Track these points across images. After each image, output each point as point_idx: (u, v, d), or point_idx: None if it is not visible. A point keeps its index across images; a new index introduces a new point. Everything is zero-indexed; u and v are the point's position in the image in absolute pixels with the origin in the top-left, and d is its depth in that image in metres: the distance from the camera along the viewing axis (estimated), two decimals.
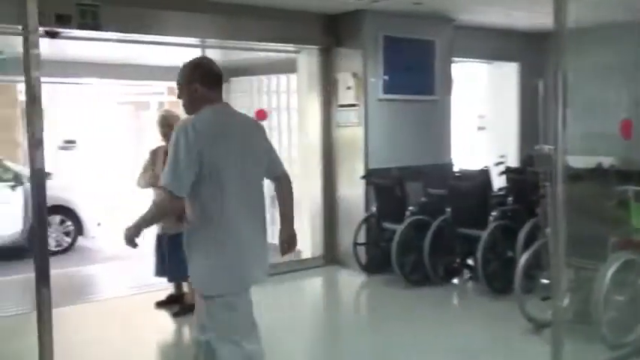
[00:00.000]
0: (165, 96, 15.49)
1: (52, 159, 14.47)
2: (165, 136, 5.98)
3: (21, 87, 14.44)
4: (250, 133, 3.44)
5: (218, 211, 3.21)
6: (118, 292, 7.26)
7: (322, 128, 7.77)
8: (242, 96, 9.39)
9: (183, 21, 6.60)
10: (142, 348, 5.42)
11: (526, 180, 6.61)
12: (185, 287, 6.22)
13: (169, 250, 5.97)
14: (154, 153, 6.14)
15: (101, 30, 6.07)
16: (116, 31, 6.28)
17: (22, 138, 13.94)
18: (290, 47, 7.77)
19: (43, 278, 2.24)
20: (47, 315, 2.26)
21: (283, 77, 8.81)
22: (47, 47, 8.00)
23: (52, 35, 5.94)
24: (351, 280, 7.45)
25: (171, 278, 6.21)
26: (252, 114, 8.92)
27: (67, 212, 10.01)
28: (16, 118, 13.79)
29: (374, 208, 7.30)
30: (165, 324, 5.98)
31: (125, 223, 3.43)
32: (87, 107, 15.60)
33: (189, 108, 3.37)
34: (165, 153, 5.99)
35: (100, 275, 8.64)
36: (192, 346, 3.70)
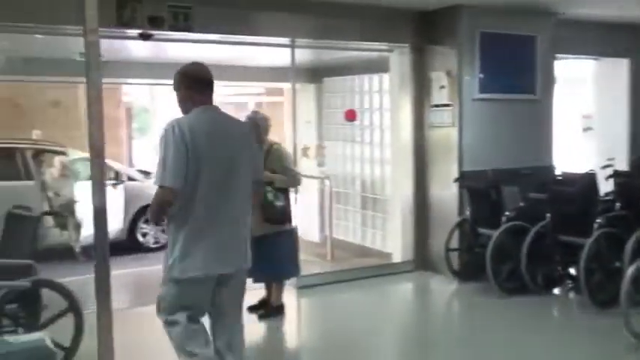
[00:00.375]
0: (264, 97, 15.65)
1: (150, 158, 14.93)
2: (255, 137, 5.93)
3: (125, 89, 15.05)
4: (237, 135, 3.69)
5: (193, 201, 3.44)
6: None
7: (414, 129, 7.53)
8: (334, 96, 9.29)
9: (274, 21, 6.56)
10: None
11: (636, 185, 6.14)
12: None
13: (254, 251, 5.92)
14: None
15: (193, 31, 6.11)
16: (208, 32, 6.31)
17: (125, 138, 14.50)
18: (382, 46, 7.58)
19: (102, 280, 2.18)
20: (107, 317, 2.19)
21: (376, 77, 8.63)
22: (149, 49, 8.21)
23: (145, 37, 6.03)
24: (442, 287, 7.18)
25: (256, 279, 6.14)
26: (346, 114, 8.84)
27: None
28: (119, 119, 14.34)
29: (468, 212, 6.99)
30: (252, 327, 5.91)
31: None
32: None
33: (182, 110, 3.66)
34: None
35: None
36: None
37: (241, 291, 3.90)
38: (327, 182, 8.85)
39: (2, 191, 8.65)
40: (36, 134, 10.51)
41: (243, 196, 3.69)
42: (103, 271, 2.16)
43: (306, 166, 9.58)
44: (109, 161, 10.39)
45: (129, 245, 10.13)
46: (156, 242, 10.24)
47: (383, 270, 7.62)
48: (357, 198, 9.01)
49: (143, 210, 10.13)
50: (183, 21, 6.00)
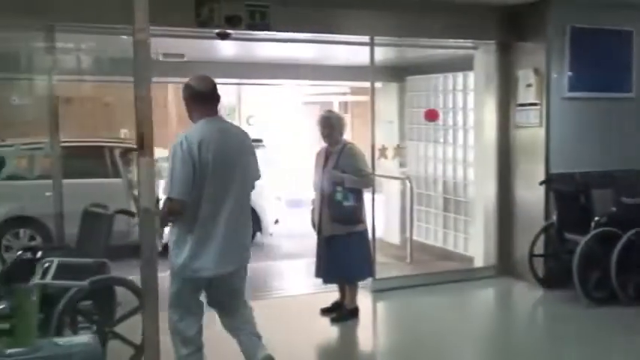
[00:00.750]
0: (349, 96, 15.59)
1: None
2: (327, 137, 5.84)
3: (172, 87, 15.30)
4: (237, 143, 4.00)
5: (199, 205, 3.73)
6: (291, 291, 7.30)
7: (499, 129, 7.24)
8: (417, 95, 9.07)
9: (352, 19, 6.45)
10: (292, 352, 5.31)
11: None
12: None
13: (325, 251, 5.83)
14: (318, 155, 6.02)
15: (270, 30, 6.09)
16: (285, 31, 6.28)
17: (173, 136, 14.72)
18: (466, 43, 7.33)
19: (149, 280, 2.13)
20: (153, 317, 2.14)
21: (460, 75, 8.36)
22: (236, 49, 8.27)
23: (223, 36, 6.05)
24: (526, 295, 6.85)
25: (326, 280, 6.06)
26: (426, 114, 8.62)
27: None
28: (168, 117, 14.60)
29: (554, 217, 6.64)
30: (325, 329, 5.83)
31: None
32: (274, 107, 16.14)
33: (191, 119, 4.03)
34: (326, 156, 5.87)
35: (274, 273, 8.78)
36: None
37: (242, 281, 4.14)
38: (407, 183, 8.65)
39: (90, 189, 8.96)
40: (124, 133, 10.82)
41: (245, 199, 4.03)
42: (150, 270, 2.11)
43: (387, 166, 9.45)
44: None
45: None
46: None
47: (464, 275, 7.37)
48: (439, 200, 8.76)
49: None
50: (260, 20, 5.99)
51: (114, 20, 5.51)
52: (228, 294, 4.08)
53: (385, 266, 8.48)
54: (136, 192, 9.60)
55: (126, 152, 9.77)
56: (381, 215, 9.94)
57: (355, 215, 5.76)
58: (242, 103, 14.70)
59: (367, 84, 10.98)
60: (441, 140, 8.69)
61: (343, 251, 5.76)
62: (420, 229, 9.05)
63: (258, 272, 8.71)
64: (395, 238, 9.45)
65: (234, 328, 4.19)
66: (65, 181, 9.10)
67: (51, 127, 5.61)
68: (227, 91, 15.82)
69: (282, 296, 7.16)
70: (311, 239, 6.24)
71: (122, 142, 10.15)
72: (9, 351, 2.05)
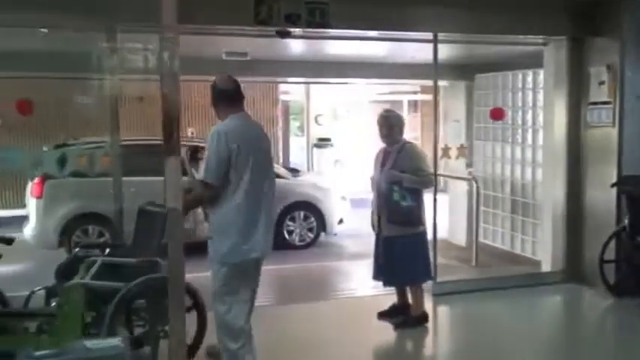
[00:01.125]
0: (419, 95, 15.37)
1: (306, 156, 15.17)
2: (386, 137, 5.72)
3: (282, 87, 15.40)
4: (261, 136, 4.39)
5: (238, 193, 4.05)
6: (352, 292, 7.21)
7: (569, 128, 6.95)
8: (485, 94, 8.81)
9: (415, 15, 6.31)
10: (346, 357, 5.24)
11: None
12: (409, 298, 5.89)
13: (384, 252, 5.72)
14: (377, 155, 5.90)
15: (330, 28, 6.03)
16: (346, 28, 6.22)
17: (280, 135, 14.83)
18: (536, 39, 7.06)
19: (176, 279, 2.10)
20: (180, 313, 2.11)
21: (530, 73, 8.07)
22: (300, 47, 8.27)
23: (283, 35, 6.03)
24: (595, 302, 6.56)
25: (385, 282, 5.93)
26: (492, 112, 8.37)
27: (311, 208, 10.31)
28: (276, 117, 14.70)
29: (626, 221, 6.31)
30: (382, 334, 5.71)
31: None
32: (344, 106, 16.10)
33: (218, 116, 4.30)
34: (385, 155, 5.75)
35: (337, 273, 8.72)
36: None
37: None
38: (474, 184, 8.43)
39: (156, 186, 9.13)
40: (190, 132, 10.99)
41: (272, 187, 4.31)
42: (177, 269, 2.08)
43: (453, 166, 9.24)
44: None
45: (274, 243, 10.30)
46: (301, 240, 10.33)
47: (530, 279, 7.09)
48: (506, 201, 8.49)
49: (289, 208, 10.27)
50: (319, 18, 5.93)
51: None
52: (258, 281, 4.38)
53: (449, 269, 8.27)
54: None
55: (195, 151, 9.93)
56: (447, 216, 9.74)
57: (413, 216, 5.60)
58: (310, 102, 14.70)
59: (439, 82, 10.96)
60: (510, 140, 8.42)
61: (401, 253, 5.63)
62: (487, 231, 8.81)
63: (321, 272, 8.69)
64: (461, 240, 9.23)
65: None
66: (131, 178, 9.42)
67: (113, 126, 5.68)
68: (295, 90, 15.91)
69: (343, 297, 7.09)
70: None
71: (189, 141, 10.33)
72: (37, 353, 2.06)
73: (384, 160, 5.73)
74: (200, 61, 7.83)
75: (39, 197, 9.22)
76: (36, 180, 9.27)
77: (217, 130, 4.11)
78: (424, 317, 5.79)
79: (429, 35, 6.51)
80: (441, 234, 9.57)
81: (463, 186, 9.11)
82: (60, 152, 7.18)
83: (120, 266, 4.46)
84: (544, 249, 7.32)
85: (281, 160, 15.93)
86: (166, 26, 2.09)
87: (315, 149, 14.62)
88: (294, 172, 11.47)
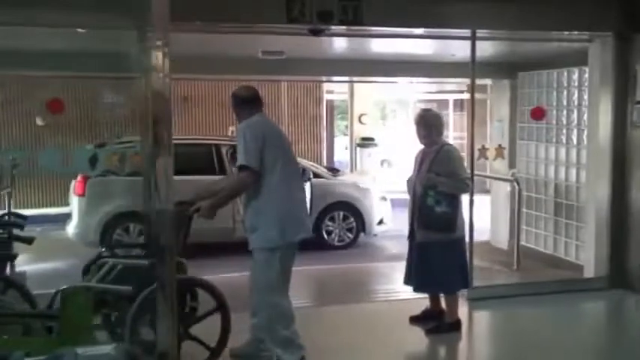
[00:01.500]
0: (465, 94, 15.08)
1: (349, 156, 15.06)
2: (423, 138, 5.51)
3: (327, 86, 15.34)
4: (282, 132, 4.84)
5: (274, 181, 4.38)
6: (388, 295, 7.07)
7: (614, 128, 6.65)
8: (529, 93, 8.55)
9: (452, 11, 6.11)
10: None
11: None
12: (443, 303, 5.71)
13: (416, 258, 5.56)
14: (415, 157, 5.72)
15: (363, 25, 5.92)
16: (380, 25, 6.09)
17: (324, 134, 14.77)
18: (579, 35, 6.79)
19: (166, 276, 2.03)
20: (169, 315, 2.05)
21: (576, 71, 7.79)
22: (347, 46, 8.15)
23: (316, 33, 5.94)
24: None
25: (416, 288, 5.70)
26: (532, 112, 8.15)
27: (351, 208, 10.20)
28: (320, 116, 14.65)
29: None
30: (414, 339, 5.55)
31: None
32: (389, 106, 15.96)
33: (239, 120, 4.70)
34: (423, 157, 5.57)
35: (375, 275, 8.61)
36: None
37: None
38: (515, 185, 8.19)
39: (196, 185, 9.19)
40: (232, 130, 11.01)
41: (300, 179, 4.89)
42: (167, 267, 2.01)
43: (495, 167, 9.02)
44: (297, 159, 10.61)
45: (314, 243, 10.23)
46: (340, 241, 10.24)
47: (572, 285, 6.85)
48: (550, 203, 8.22)
49: (329, 208, 10.18)
50: (352, 15, 5.83)
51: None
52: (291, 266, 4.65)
53: (489, 272, 8.09)
54: None
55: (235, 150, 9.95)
56: (489, 218, 9.51)
57: (448, 222, 5.35)
58: (354, 102, 14.59)
59: (485, 81, 10.72)
60: (554, 140, 8.15)
61: (434, 260, 5.41)
62: (530, 234, 8.55)
63: (358, 274, 8.56)
64: (503, 243, 8.99)
65: None
66: (174, 177, 9.48)
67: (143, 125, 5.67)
68: (340, 90, 15.82)
69: (379, 300, 6.98)
70: None
71: (231, 140, 10.34)
72: (26, 358, 2.01)
73: (422, 161, 5.53)
74: (237, 61, 7.81)
75: (81, 195, 9.37)
76: (78, 178, 9.43)
77: (247, 123, 4.53)
78: (457, 324, 5.59)
79: (467, 32, 6.34)
80: (483, 237, 9.44)
81: (505, 187, 8.87)
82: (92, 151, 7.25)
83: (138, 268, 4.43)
84: (587, 253, 7.04)
85: (325, 160, 15.89)
86: (156, 23, 2.02)
87: (358, 149, 14.49)
88: (334, 171, 11.38)
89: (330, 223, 10.24)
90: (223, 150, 9.99)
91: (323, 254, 10.04)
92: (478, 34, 6.36)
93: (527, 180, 8.56)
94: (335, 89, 16.11)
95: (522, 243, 8.44)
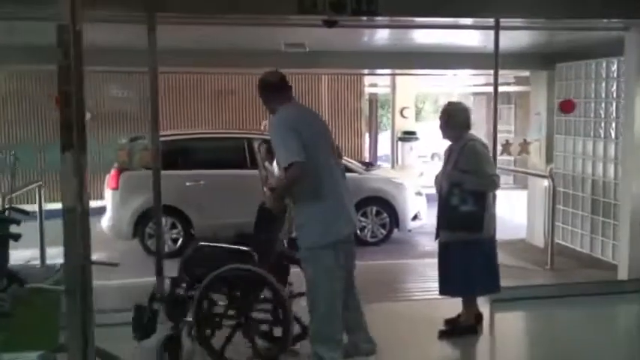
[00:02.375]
0: (512, 86, 14.60)
1: (390, 150, 14.82)
2: (445, 133, 5.25)
3: (370, 79, 15.12)
4: (319, 118, 4.64)
5: (317, 172, 4.14)
6: (424, 294, 6.82)
7: None
8: (567, 84, 8.17)
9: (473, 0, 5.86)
10: None
11: None
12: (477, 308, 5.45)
13: (440, 259, 5.32)
14: (445, 153, 5.44)
15: (378, 15, 5.71)
16: (396, 15, 5.86)
17: (364, 128, 14.57)
18: (613, 23, 6.42)
19: (76, 281, 1.93)
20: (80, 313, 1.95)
21: (615, 61, 7.39)
22: (390, 38, 7.92)
23: (330, 24, 5.77)
24: None
25: (441, 291, 5.40)
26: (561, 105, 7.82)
27: (384, 204, 10.01)
28: (361, 110, 14.46)
29: None
30: (437, 342, 5.28)
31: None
32: (432, 98, 15.64)
33: (268, 108, 4.53)
34: (450, 153, 5.31)
35: (407, 272, 8.41)
36: None
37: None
38: (549, 181, 7.85)
39: (227, 179, 9.22)
40: (264, 125, 10.95)
41: (338, 167, 4.45)
42: (76, 272, 1.91)
43: (533, 162, 8.71)
44: None
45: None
46: (373, 237, 10.06)
47: (605, 287, 6.49)
48: (586, 201, 7.84)
49: (361, 203, 9.99)
50: (366, 5, 5.62)
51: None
52: (352, 256, 4.51)
53: (520, 272, 7.81)
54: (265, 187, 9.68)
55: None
56: (525, 215, 9.19)
57: (474, 221, 5.02)
58: (397, 95, 14.32)
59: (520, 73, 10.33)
60: (591, 134, 7.76)
61: (458, 261, 5.14)
62: (566, 233, 8.19)
63: (390, 271, 8.33)
64: (539, 241, 8.65)
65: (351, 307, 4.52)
66: (204, 171, 9.50)
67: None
68: (381, 82, 15.58)
69: (413, 299, 6.76)
70: None
71: (262, 134, 10.27)
72: None
73: (449, 158, 5.26)
74: (259, 53, 7.72)
75: (115, 189, 9.46)
76: (112, 172, 9.52)
77: (277, 117, 4.35)
78: (473, 328, 5.32)
79: (490, 21, 6.05)
80: (520, 234, 9.12)
81: (542, 183, 8.52)
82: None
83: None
84: (621, 254, 6.67)
85: (367, 155, 15.69)
86: (65, 16, 1.90)
87: (399, 143, 14.23)
88: (369, 165, 11.18)
89: (362, 219, 10.05)
90: (255, 144, 9.93)
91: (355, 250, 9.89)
92: (502, 24, 6.06)
93: (564, 176, 8.19)
94: (379, 82, 15.88)
95: (558, 241, 8.12)
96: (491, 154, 5.51)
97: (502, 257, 8.34)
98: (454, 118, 5.23)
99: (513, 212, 9.91)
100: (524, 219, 9.40)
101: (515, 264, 8.17)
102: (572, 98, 7.55)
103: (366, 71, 13.05)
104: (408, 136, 14.20)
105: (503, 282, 5.97)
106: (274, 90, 4.42)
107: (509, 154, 6.66)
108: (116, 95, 11.52)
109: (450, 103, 5.58)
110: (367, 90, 16.09)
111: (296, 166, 4.01)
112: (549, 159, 8.47)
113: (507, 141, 6.75)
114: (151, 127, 5.40)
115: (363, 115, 14.46)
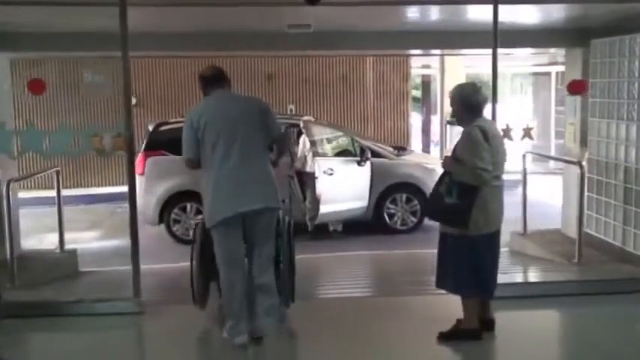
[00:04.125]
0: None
1: (439, 134, 14.31)
2: (455, 116, 4.91)
3: (422, 60, 14.64)
4: (242, 107, 4.85)
5: (210, 163, 4.65)
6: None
7: None
8: (602, 63, 7.50)
9: None
10: None
11: None
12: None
13: (438, 248, 4.96)
14: None
15: None
16: None
17: (410, 111, 14.11)
18: None
19: None
20: None
21: None
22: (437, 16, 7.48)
23: (312, 2, 5.49)
24: None
25: (435, 283, 5.01)
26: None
27: (415, 190, 9.65)
28: (408, 92, 14.01)
29: None
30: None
31: None
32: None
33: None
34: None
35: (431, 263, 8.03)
36: None
37: (269, 227, 4.83)
38: (579, 168, 7.29)
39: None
40: (290, 109, 10.75)
41: (251, 151, 4.68)
42: None
43: (568, 147, 8.15)
44: (357, 138, 10.13)
45: (375, 226, 9.79)
46: (403, 224, 9.73)
47: (629, 286, 5.92)
48: (619, 189, 7.21)
49: (390, 189, 9.68)
50: None
51: None
52: (259, 231, 4.77)
53: (543, 265, 7.34)
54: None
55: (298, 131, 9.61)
56: (559, 204, 8.62)
57: (457, 215, 4.61)
58: (445, 76, 13.78)
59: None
60: (625, 117, 7.11)
61: (450, 256, 4.79)
62: (599, 224, 7.59)
63: (421, 260, 7.90)
64: (574, 232, 8.04)
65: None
66: None
67: None
68: (434, 64, 15.02)
69: (431, 293, 6.34)
70: None
71: (289, 119, 10.07)
72: None
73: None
74: (263, 35, 7.50)
75: (141, 174, 9.51)
76: (139, 157, 9.58)
77: (189, 113, 4.80)
78: (474, 333, 4.85)
79: None
80: (555, 224, 8.56)
81: (576, 170, 7.91)
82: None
83: None
84: None
85: (416, 139, 15.24)
86: None
87: (448, 126, 13.69)
88: (401, 150, 10.80)
89: (391, 206, 9.76)
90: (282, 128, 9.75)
91: (385, 238, 9.60)
92: None
93: (598, 162, 7.58)
94: (432, 64, 15.36)
95: (592, 233, 7.55)
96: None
97: (532, 249, 7.97)
98: (457, 102, 4.82)
99: (556, 200, 9.32)
100: (553, 208, 8.88)
101: (543, 256, 7.68)
102: (584, 79, 6.90)
103: (411, 52, 12.63)
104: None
105: (522, 276, 5.53)
106: (203, 84, 4.91)
107: (511, 139, 6.16)
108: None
109: (459, 85, 5.15)
110: (420, 71, 15.62)
111: (186, 162, 4.78)
112: (584, 143, 7.86)
113: (507, 125, 6.23)
114: (125, 113, 5.31)
115: (410, 97, 14.00)
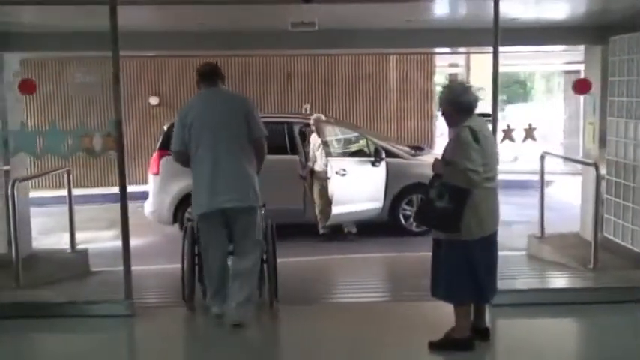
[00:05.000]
0: None
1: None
2: (443, 117, 4.80)
3: (447, 59, 14.39)
4: (228, 106, 5.09)
5: (195, 159, 4.98)
6: None
7: None
8: (621, 60, 7.19)
9: None
10: None
11: None
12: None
13: (432, 255, 4.80)
14: None
15: None
16: None
17: (435, 110, 13.85)
18: None
19: None
20: None
21: None
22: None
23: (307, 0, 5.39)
24: None
25: (431, 292, 4.83)
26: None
27: None
28: (432, 91, 13.76)
29: None
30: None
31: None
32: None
33: None
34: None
35: None
36: None
37: (247, 225, 5.09)
38: (595, 170, 7.01)
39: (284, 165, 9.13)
40: (305, 108, 10.64)
41: (234, 149, 4.94)
42: None
43: (587, 148, 7.87)
44: (373, 138, 9.96)
45: (391, 228, 9.62)
46: (419, 226, 9.51)
47: (632, 294, 5.66)
48: (638, 191, 6.91)
49: (405, 190, 9.50)
50: None
51: None
52: (241, 228, 5.08)
53: (554, 270, 7.08)
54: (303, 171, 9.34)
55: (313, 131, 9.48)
56: (578, 207, 8.33)
57: (446, 220, 4.44)
58: (471, 75, 13.51)
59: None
60: None
61: (443, 262, 4.62)
62: (617, 227, 7.29)
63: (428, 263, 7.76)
64: (591, 235, 7.75)
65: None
66: None
67: None
68: (461, 62, 14.74)
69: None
70: (505, 229, 5.05)
71: (304, 119, 9.96)
72: None
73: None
74: (265, 34, 7.38)
75: (156, 174, 9.52)
76: (154, 156, 9.59)
77: (182, 108, 5.19)
78: (466, 343, 4.67)
79: None
80: (574, 227, 8.26)
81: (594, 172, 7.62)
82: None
83: None
84: None
85: (444, 139, 14.95)
86: None
87: None
88: (418, 150, 10.60)
89: (407, 208, 9.58)
90: (295, 129, 9.67)
91: (400, 240, 9.41)
92: None
93: (617, 163, 7.28)
94: (459, 62, 15.10)
95: (610, 237, 7.26)
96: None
97: (548, 252, 7.70)
98: (444, 101, 4.74)
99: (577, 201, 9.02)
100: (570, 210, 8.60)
101: (558, 260, 7.40)
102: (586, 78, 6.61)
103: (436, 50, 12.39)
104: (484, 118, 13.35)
105: (532, 282, 5.34)
106: (199, 79, 5.19)
107: (512, 140, 5.92)
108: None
109: (450, 82, 5.01)
110: (447, 70, 15.35)
111: (173, 155, 5.20)
112: (603, 144, 7.57)
113: (509, 126, 6.00)
114: (115, 112, 5.27)
115: (434, 96, 13.74)
